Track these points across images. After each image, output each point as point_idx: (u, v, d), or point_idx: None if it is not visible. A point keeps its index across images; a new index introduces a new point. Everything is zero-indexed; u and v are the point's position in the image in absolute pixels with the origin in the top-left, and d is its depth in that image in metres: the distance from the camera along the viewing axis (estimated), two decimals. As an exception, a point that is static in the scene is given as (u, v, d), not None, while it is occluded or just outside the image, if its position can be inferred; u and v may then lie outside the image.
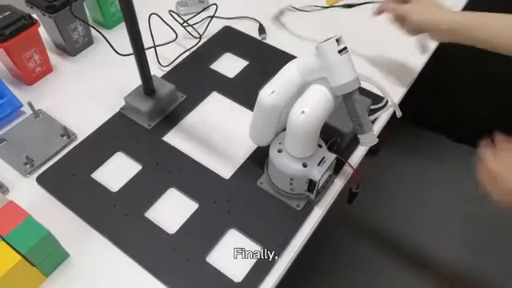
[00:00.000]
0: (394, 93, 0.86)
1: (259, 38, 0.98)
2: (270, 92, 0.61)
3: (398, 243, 1.45)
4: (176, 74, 0.90)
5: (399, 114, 0.75)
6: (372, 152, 1.58)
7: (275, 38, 0.98)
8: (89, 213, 0.69)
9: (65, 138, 0.78)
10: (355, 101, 0.60)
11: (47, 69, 0.89)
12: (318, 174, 0.64)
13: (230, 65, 0.92)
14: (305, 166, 0.65)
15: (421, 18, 0.76)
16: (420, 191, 1.57)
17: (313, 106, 0.60)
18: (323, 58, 0.58)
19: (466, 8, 1.02)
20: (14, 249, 0.56)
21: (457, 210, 1.52)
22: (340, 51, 0.57)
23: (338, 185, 0.74)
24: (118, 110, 0.83)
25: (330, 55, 0.57)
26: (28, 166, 0.74)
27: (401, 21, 0.79)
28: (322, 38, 0.58)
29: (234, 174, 0.74)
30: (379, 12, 0.82)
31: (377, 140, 0.63)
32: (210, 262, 0.64)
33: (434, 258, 1.41)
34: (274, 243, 0.66)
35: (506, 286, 1.34)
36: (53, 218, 0.64)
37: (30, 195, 0.71)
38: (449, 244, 1.45)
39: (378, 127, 0.82)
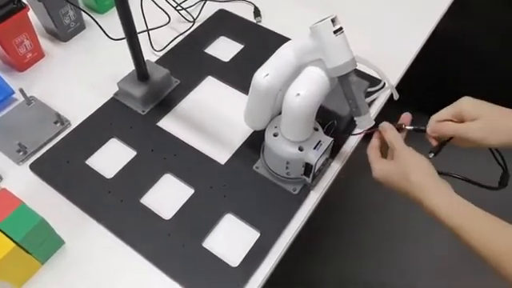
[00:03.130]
0: (392, 75, 0.84)
1: (254, 21, 0.96)
2: (265, 74, 0.60)
3: (395, 227, 1.45)
4: (170, 58, 0.88)
5: (396, 96, 0.74)
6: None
7: (270, 21, 0.96)
8: (83, 200, 0.69)
9: (58, 124, 0.77)
10: (351, 83, 0.59)
11: (38, 54, 0.88)
12: (314, 157, 0.64)
13: (224, 48, 0.90)
14: (301, 149, 0.64)
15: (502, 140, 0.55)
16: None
17: (308, 88, 0.59)
18: (318, 38, 0.57)
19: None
20: (7, 236, 0.55)
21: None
22: (335, 31, 0.56)
23: (335, 168, 0.73)
24: (111, 95, 0.82)
25: (325, 36, 0.56)
26: (21, 153, 0.73)
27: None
28: (317, 20, 0.57)
29: (229, 158, 0.73)
30: (434, 135, 0.62)
31: (373, 123, 0.63)
32: (206, 247, 0.64)
33: (431, 240, 1.42)
34: (271, 228, 0.66)
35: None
36: (47, 206, 0.63)
37: (23, 183, 0.71)
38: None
39: (374, 110, 0.81)
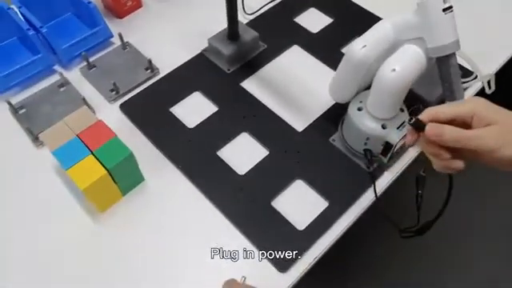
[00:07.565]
0: (486, 68, 0.80)
1: (347, -4, 0.94)
2: (362, 46, 0.60)
3: (456, 229, 1.40)
4: (259, 23, 0.89)
5: (488, 89, 0.71)
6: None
7: (364, -2, 0.94)
8: (165, 144, 0.73)
9: (148, 71, 0.81)
10: (451, 65, 0.57)
11: (137, 4, 0.92)
12: (396, 137, 0.63)
13: (313, 20, 0.90)
14: (384, 127, 0.64)
15: None
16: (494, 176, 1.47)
17: (404, 65, 0.58)
18: (425, 15, 0.55)
19: None
20: (101, 163, 0.60)
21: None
22: (445, 9, 0.54)
23: (412, 154, 0.72)
24: (200, 51, 0.85)
25: (434, 13, 0.54)
26: (114, 92, 0.78)
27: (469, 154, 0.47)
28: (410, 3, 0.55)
29: (306, 127, 0.74)
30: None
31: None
32: (274, 207, 0.66)
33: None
34: (340, 200, 0.66)
35: None
36: (131, 144, 0.66)
37: (112, 120, 0.75)
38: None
39: (462, 101, 0.78)
